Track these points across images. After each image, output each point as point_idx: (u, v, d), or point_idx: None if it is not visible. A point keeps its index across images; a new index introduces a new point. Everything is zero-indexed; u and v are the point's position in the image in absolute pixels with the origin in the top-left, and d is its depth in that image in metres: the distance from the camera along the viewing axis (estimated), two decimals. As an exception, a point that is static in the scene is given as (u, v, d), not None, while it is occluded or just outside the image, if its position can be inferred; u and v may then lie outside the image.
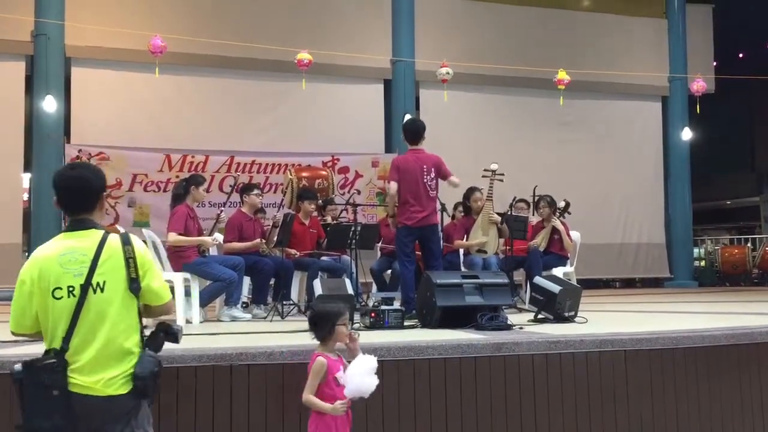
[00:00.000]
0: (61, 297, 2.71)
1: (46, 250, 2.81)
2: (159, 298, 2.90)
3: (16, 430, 2.70)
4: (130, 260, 2.79)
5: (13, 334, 2.85)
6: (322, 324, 3.49)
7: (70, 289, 2.71)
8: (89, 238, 2.81)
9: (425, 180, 6.64)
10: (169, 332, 2.91)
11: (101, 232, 2.83)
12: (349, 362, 3.43)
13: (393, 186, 6.72)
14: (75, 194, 2.87)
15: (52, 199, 2.91)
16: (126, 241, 2.83)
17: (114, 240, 2.82)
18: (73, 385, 2.67)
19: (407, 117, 12.11)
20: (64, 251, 2.76)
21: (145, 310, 2.92)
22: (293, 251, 7.64)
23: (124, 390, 2.72)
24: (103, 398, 2.69)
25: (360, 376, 3.31)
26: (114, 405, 2.70)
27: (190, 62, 11.72)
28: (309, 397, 3.34)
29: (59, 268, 2.73)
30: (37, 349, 2.92)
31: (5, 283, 9.88)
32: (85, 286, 2.72)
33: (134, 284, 2.78)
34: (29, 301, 2.74)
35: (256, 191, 7.62)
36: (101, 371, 2.70)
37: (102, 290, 2.74)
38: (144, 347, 2.81)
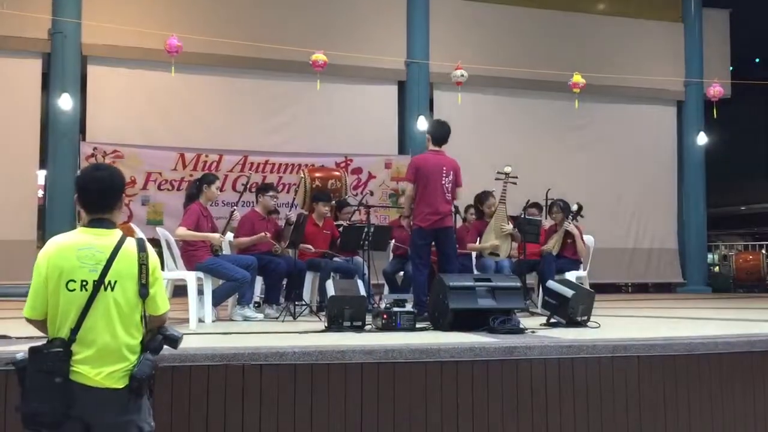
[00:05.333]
0: (74, 289, 2.83)
1: (64, 240, 2.93)
2: (158, 308, 3.03)
3: (16, 412, 2.82)
4: (143, 266, 2.93)
5: (27, 320, 2.96)
6: None
7: (84, 283, 2.83)
8: (107, 237, 2.93)
9: (443, 182, 6.60)
10: (169, 337, 3.00)
11: (119, 234, 2.97)
12: None
13: (410, 187, 6.69)
14: (98, 194, 2.99)
15: (74, 197, 3.02)
16: (142, 248, 2.97)
17: (131, 244, 2.96)
18: (75, 374, 2.79)
19: (421, 119, 12.19)
20: (82, 245, 2.89)
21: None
22: (309, 247, 7.64)
23: (121, 384, 2.84)
24: (101, 389, 2.81)
25: None
26: (110, 397, 2.82)
27: (205, 62, 11.76)
28: None
29: (75, 261, 2.85)
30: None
31: (21, 278, 9.95)
32: (98, 283, 2.84)
33: (144, 290, 2.92)
34: (44, 287, 2.86)
35: (271, 193, 7.62)
36: (102, 365, 2.82)
37: (113, 289, 2.86)
38: (144, 349, 2.93)
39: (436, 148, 6.77)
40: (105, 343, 2.83)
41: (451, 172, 6.67)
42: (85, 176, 3.04)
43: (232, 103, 12.18)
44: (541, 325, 5.96)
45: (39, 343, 2.85)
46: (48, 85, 11.20)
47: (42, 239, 11.11)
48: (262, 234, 7.22)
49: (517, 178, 7.92)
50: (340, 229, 8.00)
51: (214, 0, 12.13)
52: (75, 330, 2.80)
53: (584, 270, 8.32)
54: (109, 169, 3.11)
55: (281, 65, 12.03)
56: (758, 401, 4.82)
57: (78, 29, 11.09)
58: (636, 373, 4.56)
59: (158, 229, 6.94)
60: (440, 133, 6.84)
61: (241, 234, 7.31)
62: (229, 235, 7.36)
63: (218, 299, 6.59)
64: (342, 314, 5.57)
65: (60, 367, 2.75)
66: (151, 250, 3.01)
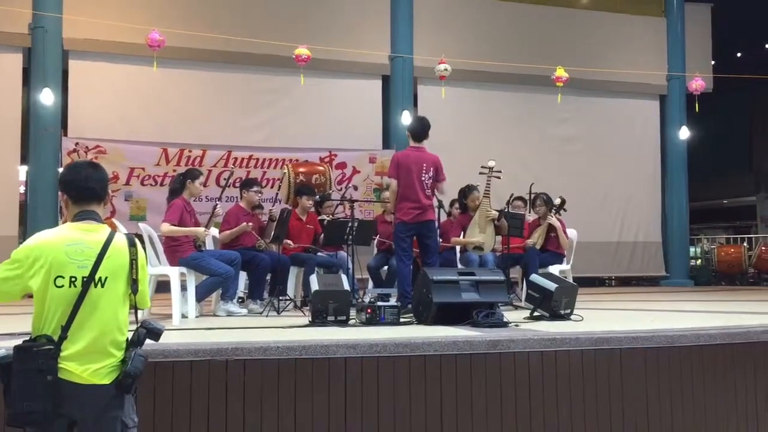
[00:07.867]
0: (62, 286, 2.78)
1: (51, 235, 2.88)
2: (145, 303, 3.09)
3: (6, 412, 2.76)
4: (133, 262, 2.92)
5: None
6: None
7: (72, 279, 2.79)
8: (96, 233, 2.90)
9: (423, 177, 6.70)
10: (152, 331, 2.99)
11: (108, 230, 2.94)
12: None
13: (394, 182, 6.75)
14: (89, 184, 2.97)
15: (59, 194, 3.00)
16: (132, 243, 2.96)
17: (120, 239, 2.94)
18: (62, 371, 2.75)
19: (405, 114, 12.19)
20: (71, 241, 2.84)
21: None
22: (288, 242, 7.61)
23: (107, 380, 2.81)
24: (88, 386, 2.78)
25: None
26: (97, 393, 2.80)
27: (188, 56, 11.71)
28: None
29: (64, 256, 2.80)
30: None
31: (1, 275, 9.86)
32: (88, 280, 2.81)
33: (134, 285, 2.92)
34: (19, 277, 2.79)
35: (255, 188, 7.60)
36: (90, 361, 2.79)
37: (103, 286, 2.84)
38: (129, 344, 2.91)
39: (417, 145, 6.84)
40: (93, 339, 2.80)
41: (432, 169, 6.75)
42: (76, 167, 3.03)
43: (216, 98, 12.13)
44: (524, 318, 5.99)
45: (21, 341, 2.80)
46: (29, 80, 11.11)
47: (23, 235, 11.03)
48: (244, 224, 7.20)
49: (501, 172, 7.93)
50: (324, 223, 7.99)
51: (197, -6, 12.08)
52: (66, 327, 2.76)
53: (567, 264, 8.36)
54: (97, 164, 3.16)
55: (264, 60, 11.99)
56: (739, 393, 4.87)
57: (59, 24, 10.99)
58: (618, 366, 4.59)
59: (141, 224, 6.89)
60: (419, 129, 6.92)
61: (226, 229, 7.29)
62: (214, 231, 7.34)
63: (202, 294, 6.56)
64: (326, 309, 5.56)
65: (51, 365, 2.72)
66: (140, 246, 2.99)
